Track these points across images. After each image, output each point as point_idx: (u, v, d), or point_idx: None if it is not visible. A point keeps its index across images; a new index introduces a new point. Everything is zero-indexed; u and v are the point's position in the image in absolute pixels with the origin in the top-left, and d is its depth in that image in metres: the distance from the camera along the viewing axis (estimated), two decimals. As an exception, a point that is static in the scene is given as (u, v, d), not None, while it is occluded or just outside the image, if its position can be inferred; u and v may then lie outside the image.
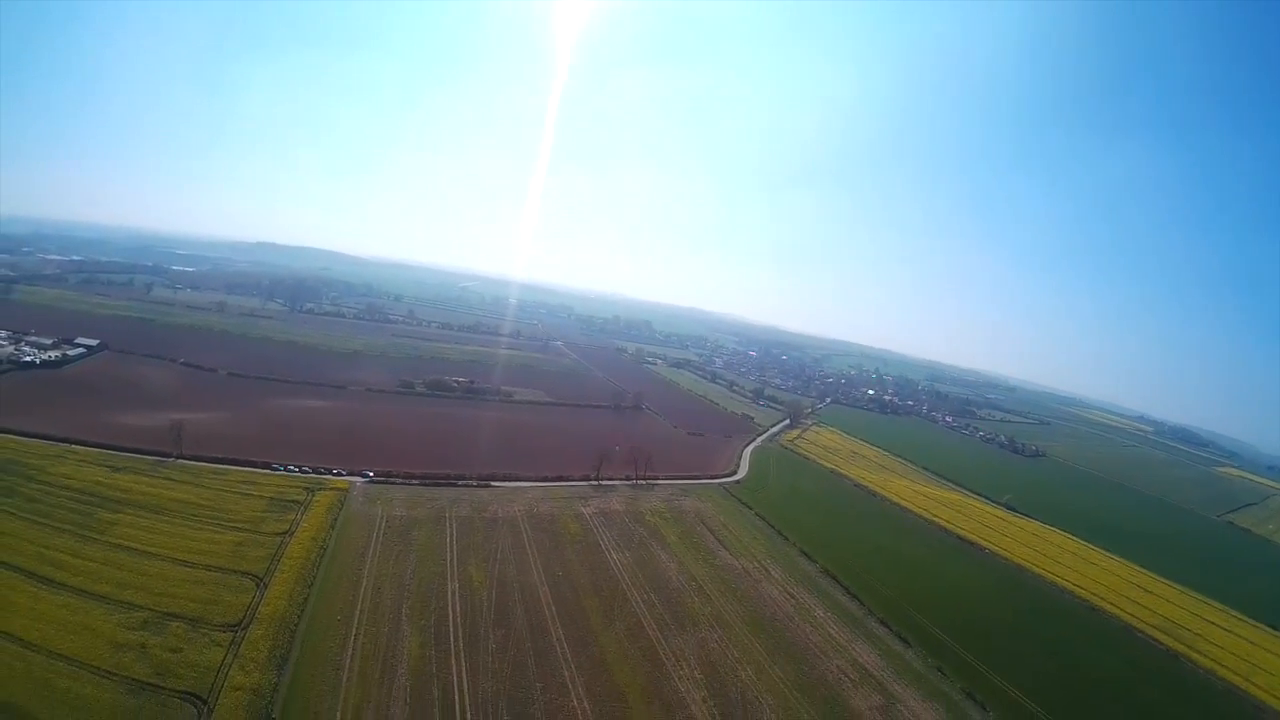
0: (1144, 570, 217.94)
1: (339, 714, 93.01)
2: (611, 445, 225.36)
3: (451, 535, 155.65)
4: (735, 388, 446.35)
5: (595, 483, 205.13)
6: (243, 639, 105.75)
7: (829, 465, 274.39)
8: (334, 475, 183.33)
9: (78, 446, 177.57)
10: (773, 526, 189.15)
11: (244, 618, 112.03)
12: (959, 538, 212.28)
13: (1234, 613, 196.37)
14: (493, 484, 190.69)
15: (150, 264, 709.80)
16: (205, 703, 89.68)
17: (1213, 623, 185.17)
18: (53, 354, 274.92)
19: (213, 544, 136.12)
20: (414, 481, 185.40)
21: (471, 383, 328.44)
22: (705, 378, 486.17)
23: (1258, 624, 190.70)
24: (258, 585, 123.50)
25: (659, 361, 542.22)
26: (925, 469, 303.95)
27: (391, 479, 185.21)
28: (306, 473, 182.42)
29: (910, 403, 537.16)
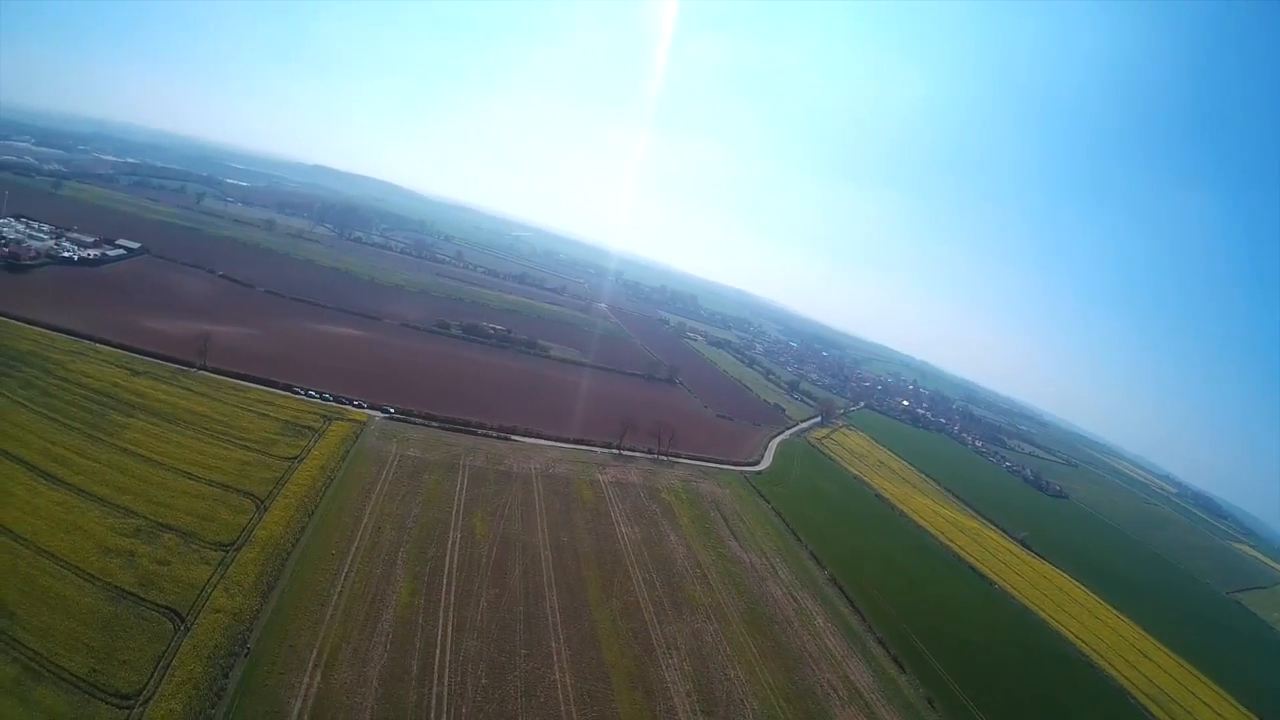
0: (1146, 634, 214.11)
1: (315, 651, 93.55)
2: (638, 415, 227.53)
3: (462, 484, 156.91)
4: (771, 376, 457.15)
5: (616, 451, 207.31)
6: (232, 560, 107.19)
7: (853, 470, 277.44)
8: (354, 406, 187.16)
9: (102, 346, 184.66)
10: (787, 524, 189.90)
11: (238, 539, 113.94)
12: (971, 567, 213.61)
13: (1228, 696, 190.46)
14: (512, 437, 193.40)
15: (204, 174, 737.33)
16: (184, 621, 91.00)
17: (1205, 702, 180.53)
18: (92, 252, 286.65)
19: (220, 460, 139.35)
20: (433, 424, 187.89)
21: (508, 332, 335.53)
22: (743, 361, 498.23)
23: (1249, 712, 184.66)
24: (257, 507, 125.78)
25: (699, 338, 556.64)
26: (948, 490, 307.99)
27: (411, 418, 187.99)
28: (327, 400, 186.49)
29: (943, 420, 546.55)
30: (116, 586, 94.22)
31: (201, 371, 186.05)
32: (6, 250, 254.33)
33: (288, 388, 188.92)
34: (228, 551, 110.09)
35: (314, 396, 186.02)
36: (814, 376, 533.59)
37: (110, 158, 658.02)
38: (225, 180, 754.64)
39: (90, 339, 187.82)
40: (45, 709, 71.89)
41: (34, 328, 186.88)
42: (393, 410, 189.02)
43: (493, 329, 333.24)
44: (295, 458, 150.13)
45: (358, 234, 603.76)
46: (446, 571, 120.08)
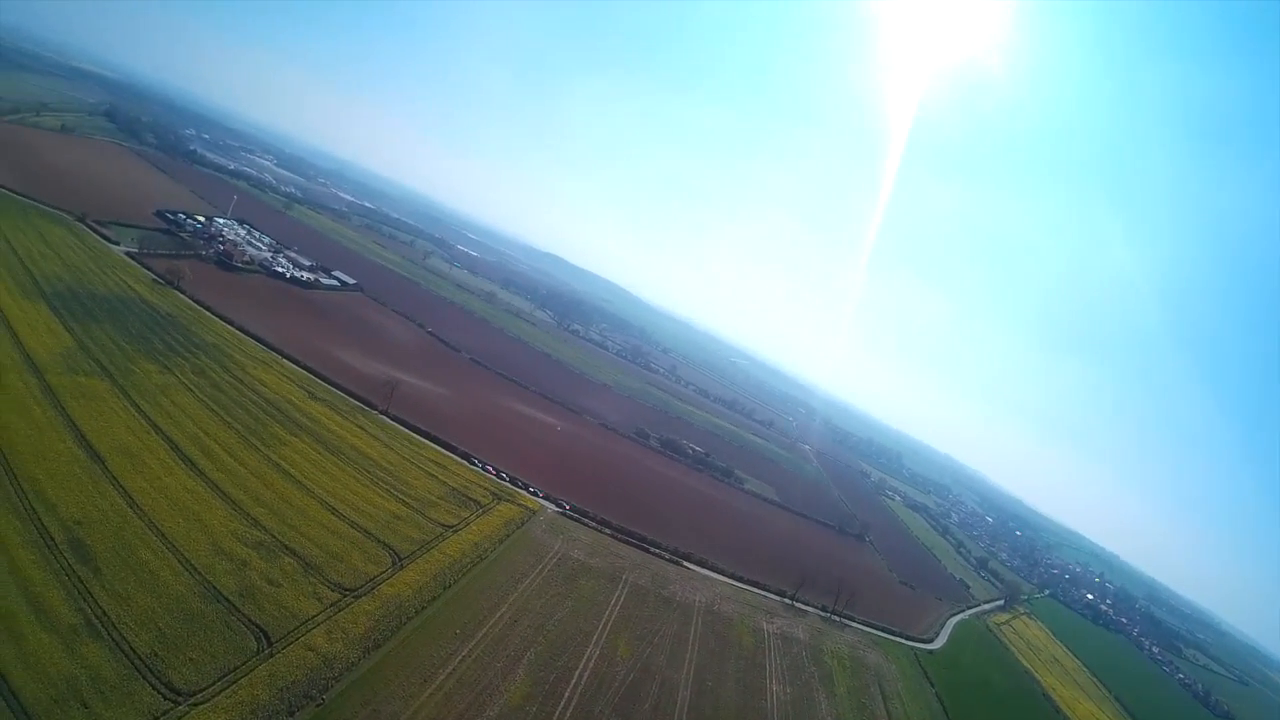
0: None
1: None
2: (820, 567, 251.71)
3: (619, 599, 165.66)
4: (962, 549, 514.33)
5: (789, 600, 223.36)
6: (347, 606, 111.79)
7: (1026, 664, 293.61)
8: (528, 491, 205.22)
9: (287, 362, 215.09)
10: (946, 712, 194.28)
11: (361, 586, 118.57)
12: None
13: None
14: (685, 563, 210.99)
15: (437, 235, 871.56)
16: (270, 645, 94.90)
17: None
18: (306, 274, 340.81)
19: (371, 505, 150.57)
20: (606, 530, 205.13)
21: (707, 454, 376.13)
22: (937, 529, 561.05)
23: None
24: (394, 563, 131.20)
25: (898, 498, 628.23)
26: (1117, 698, 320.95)
27: (585, 518, 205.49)
28: (502, 478, 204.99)
29: (1124, 619, 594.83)
30: (215, 587, 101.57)
31: (382, 415, 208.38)
32: (222, 248, 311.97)
33: (465, 456, 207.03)
34: (345, 595, 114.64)
35: (489, 471, 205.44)
36: (1004, 556, 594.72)
37: (347, 195, 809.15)
38: (456, 245, 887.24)
39: (279, 352, 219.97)
40: (88, 665, 78.41)
41: (226, 324, 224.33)
42: (567, 505, 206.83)
43: (692, 448, 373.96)
44: (451, 526, 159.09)
45: (576, 326, 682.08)
46: (571, 685, 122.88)
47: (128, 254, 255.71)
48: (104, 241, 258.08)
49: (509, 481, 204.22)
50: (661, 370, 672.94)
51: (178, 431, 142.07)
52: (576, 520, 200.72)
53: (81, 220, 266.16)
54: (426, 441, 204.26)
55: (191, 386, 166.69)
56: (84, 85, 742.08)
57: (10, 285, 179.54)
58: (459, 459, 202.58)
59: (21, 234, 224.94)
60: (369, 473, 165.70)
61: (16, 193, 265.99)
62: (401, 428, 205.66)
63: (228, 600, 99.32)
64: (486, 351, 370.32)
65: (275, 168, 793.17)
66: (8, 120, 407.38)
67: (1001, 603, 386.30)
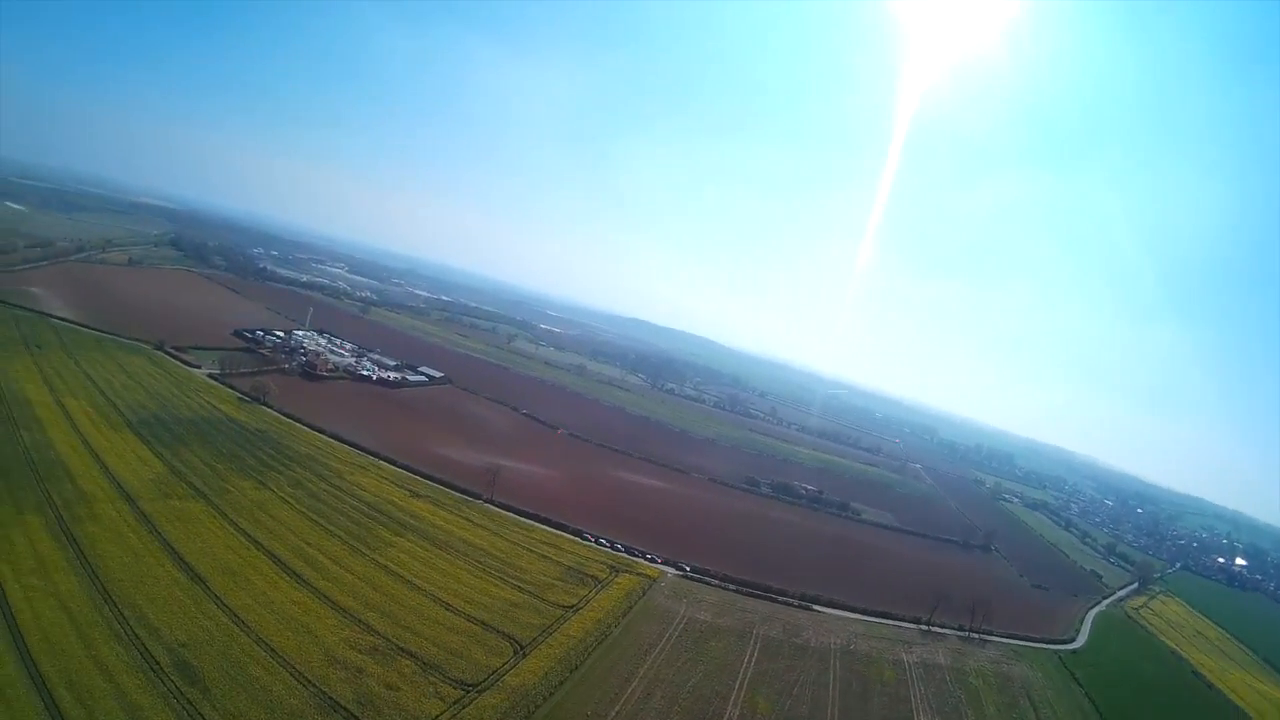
0: None
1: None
2: (950, 586, 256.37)
3: (752, 655, 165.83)
4: (1088, 540, 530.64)
5: (924, 627, 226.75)
6: (471, 702, 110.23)
7: (1170, 643, 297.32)
8: (646, 560, 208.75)
9: (384, 463, 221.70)
10: (1099, 713, 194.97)
11: (484, 680, 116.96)
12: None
13: None
14: (814, 607, 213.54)
15: (518, 318, 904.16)
16: None
17: None
18: (392, 374, 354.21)
19: (486, 596, 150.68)
20: (730, 586, 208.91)
21: (819, 492, 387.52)
22: (1059, 524, 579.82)
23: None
24: (515, 652, 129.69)
25: (1015, 500, 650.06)
26: (1266, 660, 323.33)
27: (707, 577, 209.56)
28: (618, 550, 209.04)
29: (1259, 577, 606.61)
30: (331, 697, 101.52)
31: (487, 504, 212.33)
32: (304, 359, 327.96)
33: (577, 533, 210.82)
34: (469, 692, 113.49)
35: (604, 545, 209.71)
36: (1130, 537, 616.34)
37: (423, 292, 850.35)
38: (539, 325, 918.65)
39: (375, 455, 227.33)
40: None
41: (318, 434, 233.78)
42: (688, 568, 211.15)
43: (804, 489, 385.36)
44: (571, 606, 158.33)
45: (670, 385, 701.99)
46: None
47: (210, 376, 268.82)
48: (185, 366, 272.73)
49: (625, 552, 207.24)
50: (762, 415, 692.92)
51: (279, 545, 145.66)
52: (698, 581, 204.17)
53: (160, 348, 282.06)
54: (536, 524, 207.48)
55: (289, 499, 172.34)
56: (146, 218, 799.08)
57: (95, 417, 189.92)
58: (571, 536, 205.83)
59: (101, 367, 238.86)
60: (480, 563, 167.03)
61: (92, 328, 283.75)
62: (508, 513, 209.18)
63: (345, 709, 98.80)
64: (584, 424, 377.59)
65: (348, 275, 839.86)
66: (75, 259, 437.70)
67: (1135, 586, 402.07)
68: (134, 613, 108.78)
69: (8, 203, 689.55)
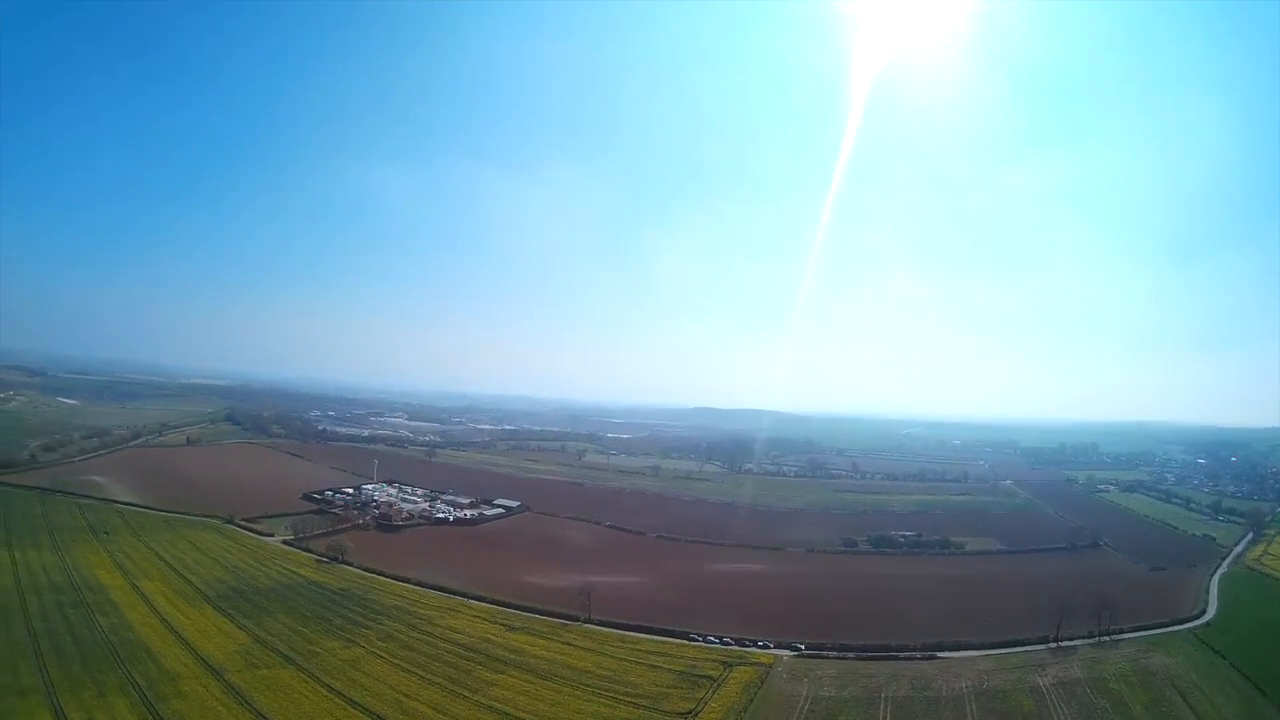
0: None
1: None
2: (1070, 594, 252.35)
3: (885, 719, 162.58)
4: (1192, 505, 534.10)
5: (1053, 644, 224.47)
6: None
7: None
8: (758, 647, 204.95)
9: (475, 602, 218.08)
10: (1248, 679, 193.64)
11: None
12: None
13: None
14: (938, 655, 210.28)
15: (584, 432, 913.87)
16: None
17: None
18: (469, 512, 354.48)
19: (600, 717, 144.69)
20: (848, 655, 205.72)
21: (919, 536, 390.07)
22: (1160, 498, 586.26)
23: None
24: None
25: (1111, 487, 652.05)
26: None
27: (824, 652, 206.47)
28: (728, 644, 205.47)
29: None
30: None
31: (585, 624, 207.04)
32: (378, 512, 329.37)
33: (683, 635, 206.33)
34: None
35: (713, 642, 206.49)
36: (1231, 489, 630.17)
37: (486, 425, 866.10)
38: (605, 435, 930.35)
39: (463, 595, 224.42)
40: None
41: (403, 584, 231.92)
42: (802, 646, 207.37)
43: (902, 536, 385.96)
44: (690, 712, 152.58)
45: (748, 466, 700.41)
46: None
47: (284, 542, 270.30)
48: (257, 536, 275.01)
49: (736, 644, 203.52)
50: (844, 473, 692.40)
51: (376, 701, 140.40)
52: (815, 657, 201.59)
53: (230, 521, 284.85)
54: (639, 634, 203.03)
55: (381, 653, 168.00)
56: (199, 398, 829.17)
57: (172, 596, 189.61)
58: (677, 640, 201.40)
59: (172, 546, 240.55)
60: (588, 685, 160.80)
61: (158, 509, 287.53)
62: (608, 629, 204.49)
63: None
64: (670, 523, 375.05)
65: (408, 422, 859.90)
66: (133, 446, 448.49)
67: (1250, 537, 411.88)
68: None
69: (61, 399, 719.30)
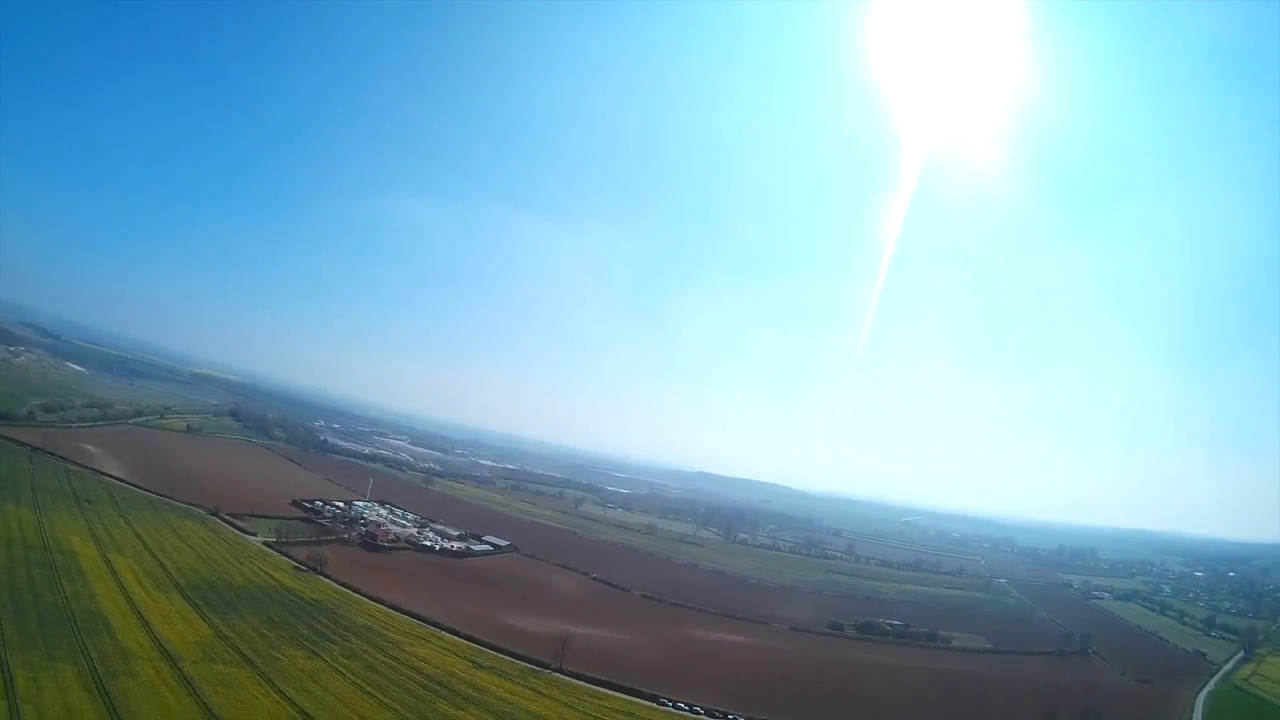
0: None
1: None
2: (1055, 702, 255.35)
3: None
4: (1186, 619, 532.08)
5: None
6: None
7: None
8: None
9: (447, 634, 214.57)
10: None
11: None
12: None
13: None
14: None
15: (584, 481, 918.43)
16: None
17: None
18: (456, 544, 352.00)
19: None
20: None
21: (906, 626, 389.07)
22: (1154, 609, 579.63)
23: None
24: None
25: (1106, 594, 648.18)
26: None
27: None
28: (698, 713, 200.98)
29: None
30: None
31: (556, 673, 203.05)
32: (365, 530, 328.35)
33: (653, 698, 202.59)
34: None
35: (683, 709, 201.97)
36: (1227, 604, 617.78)
37: (488, 461, 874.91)
38: (605, 487, 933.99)
39: (436, 625, 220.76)
40: None
41: (377, 605, 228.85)
42: None
43: (889, 624, 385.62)
44: None
45: (744, 536, 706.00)
46: None
47: (266, 544, 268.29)
48: (240, 533, 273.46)
49: (705, 714, 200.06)
50: (839, 554, 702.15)
51: (329, 716, 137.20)
52: None
53: (214, 514, 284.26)
54: (609, 692, 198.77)
55: (343, 670, 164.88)
56: (207, 389, 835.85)
57: (142, 576, 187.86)
58: (647, 703, 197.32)
59: (152, 528, 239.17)
60: None
61: (145, 489, 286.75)
62: (580, 682, 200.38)
63: None
64: (657, 584, 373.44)
65: (410, 446, 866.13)
66: (132, 422, 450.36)
67: (1241, 655, 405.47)
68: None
69: (70, 364, 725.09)
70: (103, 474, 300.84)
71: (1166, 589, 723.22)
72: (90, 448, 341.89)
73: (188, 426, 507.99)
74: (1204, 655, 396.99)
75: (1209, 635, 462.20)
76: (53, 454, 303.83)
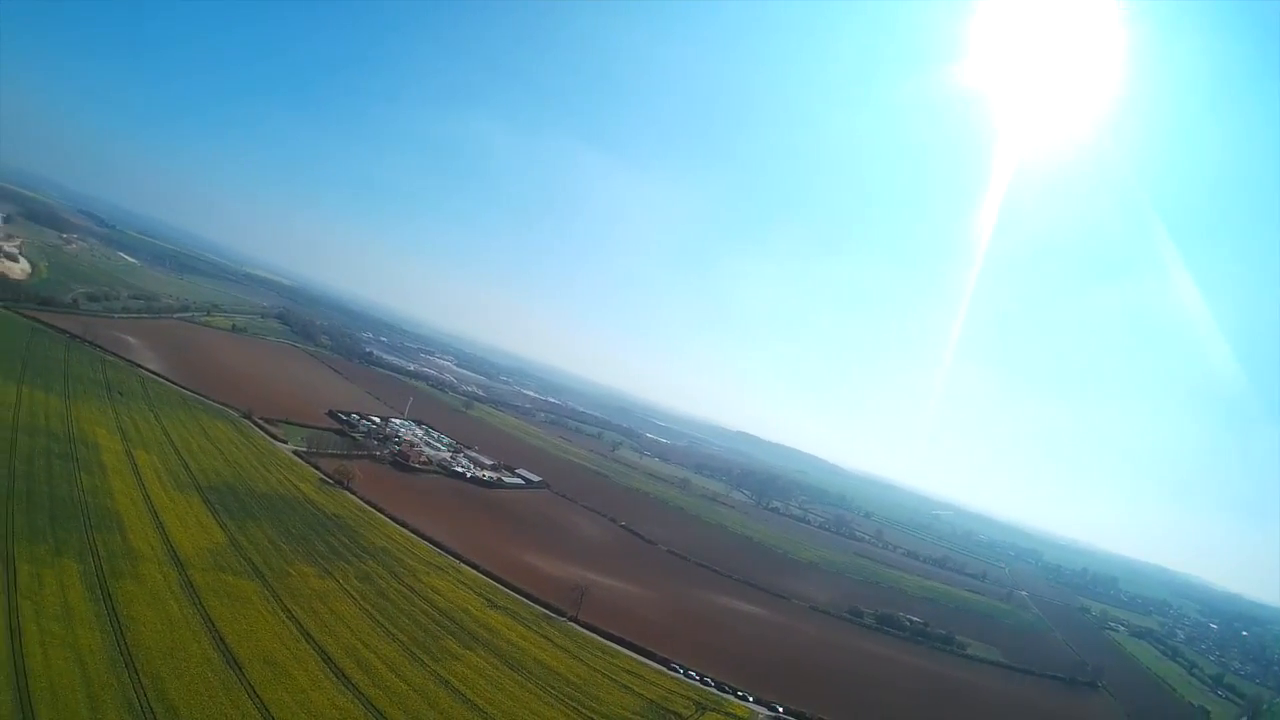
0: None
1: None
2: None
3: None
4: (1195, 670, 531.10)
5: None
6: None
7: None
8: (736, 697, 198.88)
9: (467, 568, 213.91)
10: None
11: None
12: None
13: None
14: None
15: (625, 425, 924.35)
16: None
17: None
18: (488, 474, 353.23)
19: None
20: None
21: (925, 624, 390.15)
22: (1166, 653, 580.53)
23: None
24: None
25: (1121, 627, 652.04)
26: None
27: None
28: (707, 684, 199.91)
29: None
30: None
31: (571, 623, 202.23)
32: (398, 448, 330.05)
33: (664, 662, 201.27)
34: None
35: (693, 678, 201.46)
36: (1236, 665, 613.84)
37: (531, 392, 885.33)
38: (645, 434, 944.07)
39: (457, 556, 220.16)
40: None
41: (399, 527, 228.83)
42: (781, 709, 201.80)
43: (909, 619, 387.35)
44: None
45: (775, 503, 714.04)
46: None
47: (295, 453, 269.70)
48: (270, 439, 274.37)
49: (715, 687, 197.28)
50: (867, 538, 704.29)
51: (333, 642, 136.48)
52: None
53: (247, 416, 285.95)
54: (620, 648, 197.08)
55: (354, 593, 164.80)
56: (257, 289, 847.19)
57: (164, 476, 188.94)
58: (658, 666, 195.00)
59: (183, 427, 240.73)
60: (553, 689, 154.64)
61: (180, 385, 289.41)
62: (593, 635, 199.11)
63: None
64: (684, 542, 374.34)
65: (456, 368, 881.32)
66: (177, 317, 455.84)
67: None
68: (154, 685, 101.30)
69: (121, 254, 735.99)
70: (139, 366, 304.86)
71: (1180, 634, 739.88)
72: (130, 339, 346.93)
73: (233, 326, 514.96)
74: (1208, 713, 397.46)
75: (1215, 693, 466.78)
76: (91, 343, 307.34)
